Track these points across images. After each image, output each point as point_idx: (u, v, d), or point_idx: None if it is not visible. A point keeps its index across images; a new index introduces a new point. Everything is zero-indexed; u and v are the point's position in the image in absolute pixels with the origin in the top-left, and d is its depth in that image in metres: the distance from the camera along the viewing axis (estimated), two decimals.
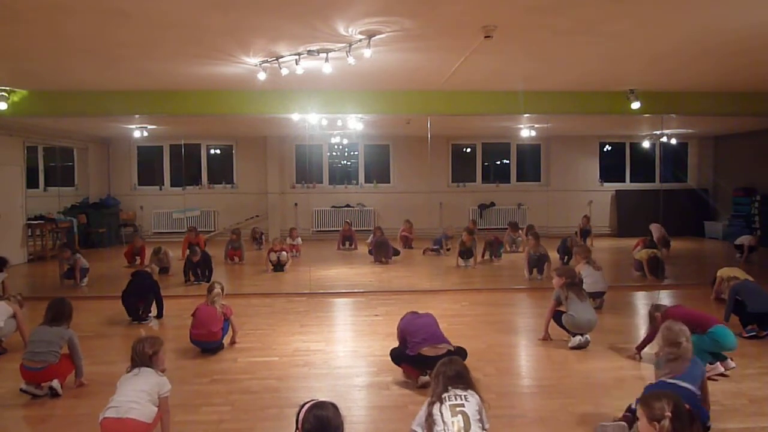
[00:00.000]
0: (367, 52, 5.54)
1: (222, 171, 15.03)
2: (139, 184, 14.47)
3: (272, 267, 10.02)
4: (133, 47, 5.76)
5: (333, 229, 14.21)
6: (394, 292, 7.56)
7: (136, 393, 3.47)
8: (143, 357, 3.64)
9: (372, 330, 6.44)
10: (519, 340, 6.19)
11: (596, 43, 5.77)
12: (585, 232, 12.39)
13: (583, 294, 5.69)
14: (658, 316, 4.98)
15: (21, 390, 4.44)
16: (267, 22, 4.98)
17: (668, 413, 2.82)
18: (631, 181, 14.91)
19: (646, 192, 13.86)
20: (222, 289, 5.81)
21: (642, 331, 6.38)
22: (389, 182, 15.02)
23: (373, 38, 5.33)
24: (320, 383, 4.81)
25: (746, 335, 5.85)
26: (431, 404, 3.14)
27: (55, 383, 4.45)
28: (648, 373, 4.87)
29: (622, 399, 4.44)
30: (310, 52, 5.87)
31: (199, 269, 8.98)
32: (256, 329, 6.43)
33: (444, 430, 3.00)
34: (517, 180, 15.16)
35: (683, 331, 3.72)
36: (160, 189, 14.47)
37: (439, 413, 3.06)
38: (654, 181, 14.42)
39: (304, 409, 2.62)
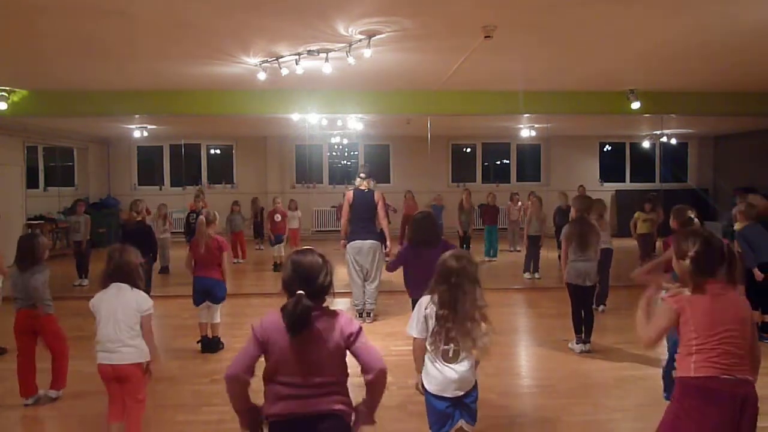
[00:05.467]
0: (367, 52, 5.54)
1: (222, 171, 15.04)
2: (139, 184, 14.46)
3: (273, 267, 10.08)
4: (133, 48, 5.76)
5: (333, 229, 14.19)
6: (394, 292, 7.53)
7: (120, 329, 3.36)
8: (122, 269, 3.48)
9: (372, 330, 6.44)
10: (519, 340, 6.19)
11: (596, 43, 5.77)
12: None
13: (584, 249, 5.46)
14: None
15: (25, 405, 4.39)
16: (267, 23, 4.98)
17: (691, 253, 2.56)
18: (631, 181, 14.91)
19: (646, 192, 13.84)
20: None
21: None
22: (389, 182, 15.02)
23: (373, 38, 5.33)
24: None
25: None
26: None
27: (44, 392, 4.43)
28: (648, 373, 4.88)
29: (622, 399, 4.46)
30: (310, 52, 5.87)
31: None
32: None
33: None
34: (517, 180, 15.15)
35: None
36: (160, 189, 14.45)
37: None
38: (654, 181, 14.41)
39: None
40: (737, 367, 2.40)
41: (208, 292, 5.62)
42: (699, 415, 2.41)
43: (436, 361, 2.90)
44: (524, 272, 9.55)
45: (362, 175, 6.87)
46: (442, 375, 2.87)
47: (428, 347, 2.92)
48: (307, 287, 2.26)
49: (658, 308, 2.60)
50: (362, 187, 6.81)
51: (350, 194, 6.82)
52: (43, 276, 4.38)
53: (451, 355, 2.88)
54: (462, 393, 2.90)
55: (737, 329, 2.43)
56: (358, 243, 6.71)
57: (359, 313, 6.84)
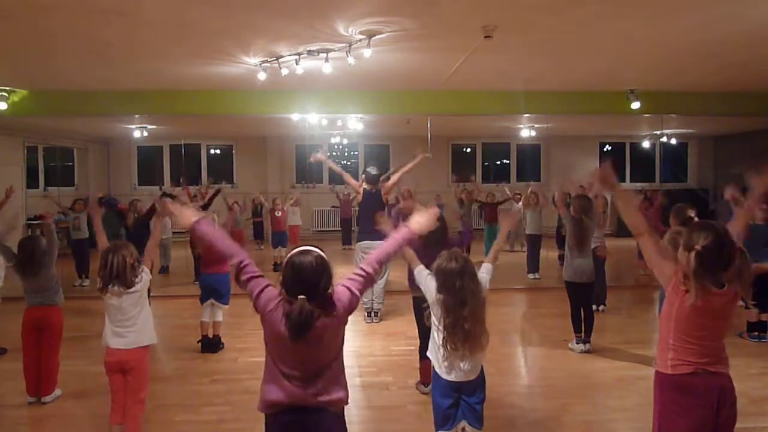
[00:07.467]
0: (367, 52, 5.54)
1: (222, 171, 15.02)
2: (139, 184, 14.44)
3: (273, 267, 10.08)
4: (134, 48, 5.76)
5: (333, 229, 14.21)
6: (394, 292, 7.54)
7: (128, 325, 3.61)
8: (117, 271, 3.60)
9: (372, 330, 6.45)
10: (519, 340, 6.19)
11: (597, 42, 5.77)
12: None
13: (581, 247, 5.59)
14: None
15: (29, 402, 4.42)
16: (267, 23, 4.98)
17: (698, 246, 2.33)
18: (631, 181, 14.89)
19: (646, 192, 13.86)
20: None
21: (644, 333, 6.39)
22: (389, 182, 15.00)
23: (374, 38, 5.33)
24: None
25: (749, 339, 5.84)
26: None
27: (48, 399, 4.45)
28: (648, 373, 4.87)
29: (622, 399, 4.46)
30: (310, 52, 5.87)
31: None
32: (256, 329, 6.38)
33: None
34: (517, 180, 15.13)
35: None
36: (160, 189, 14.44)
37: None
38: (654, 181, 14.40)
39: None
40: (712, 363, 2.42)
41: (213, 289, 5.67)
42: (681, 407, 2.44)
43: (446, 362, 2.94)
44: (528, 273, 9.55)
45: (371, 182, 7.07)
46: (451, 364, 2.94)
47: (440, 355, 2.94)
48: (308, 290, 2.24)
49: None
50: (373, 190, 7.03)
51: (361, 191, 7.04)
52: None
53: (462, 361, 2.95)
54: (469, 379, 2.92)
55: (718, 331, 2.43)
56: (366, 243, 6.75)
57: (368, 312, 6.88)
